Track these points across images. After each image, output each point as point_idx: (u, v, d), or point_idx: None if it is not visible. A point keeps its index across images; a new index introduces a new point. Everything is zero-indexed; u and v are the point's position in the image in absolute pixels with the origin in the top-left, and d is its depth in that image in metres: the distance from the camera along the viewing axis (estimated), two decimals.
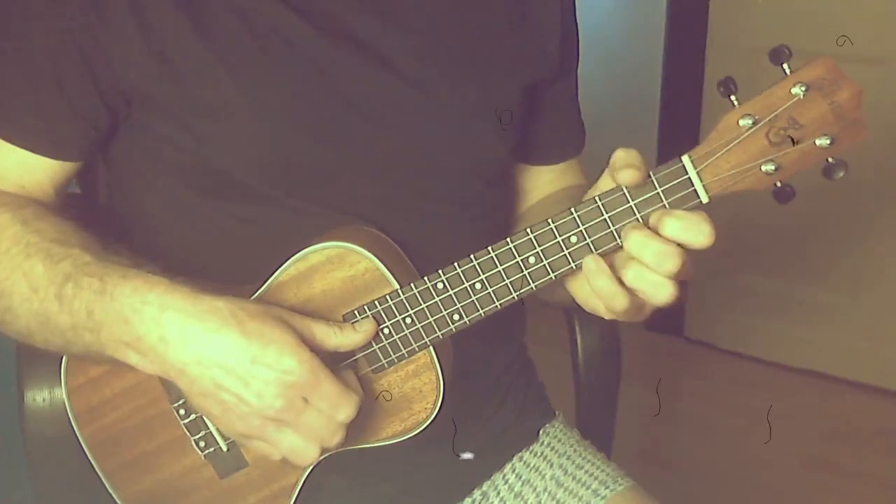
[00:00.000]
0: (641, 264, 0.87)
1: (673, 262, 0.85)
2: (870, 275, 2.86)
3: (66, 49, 0.98)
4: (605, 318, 0.93)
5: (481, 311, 0.94)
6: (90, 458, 1.04)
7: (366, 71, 1.02)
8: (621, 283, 0.88)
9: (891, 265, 2.82)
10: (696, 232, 0.85)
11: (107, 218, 1.14)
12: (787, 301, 3.01)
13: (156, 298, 0.87)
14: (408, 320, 0.94)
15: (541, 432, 1.26)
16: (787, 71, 0.83)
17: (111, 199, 1.15)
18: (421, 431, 0.99)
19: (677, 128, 2.98)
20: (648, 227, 0.87)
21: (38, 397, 1.12)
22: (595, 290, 0.90)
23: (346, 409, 0.89)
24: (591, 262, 0.89)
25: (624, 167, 0.86)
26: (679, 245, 0.86)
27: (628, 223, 0.88)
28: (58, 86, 0.99)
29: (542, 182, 1.25)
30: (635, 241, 0.86)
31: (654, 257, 0.86)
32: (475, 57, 1.08)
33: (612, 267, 0.89)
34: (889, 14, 2.62)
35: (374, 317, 0.94)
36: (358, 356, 0.96)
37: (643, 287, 0.87)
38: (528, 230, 0.90)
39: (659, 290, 0.87)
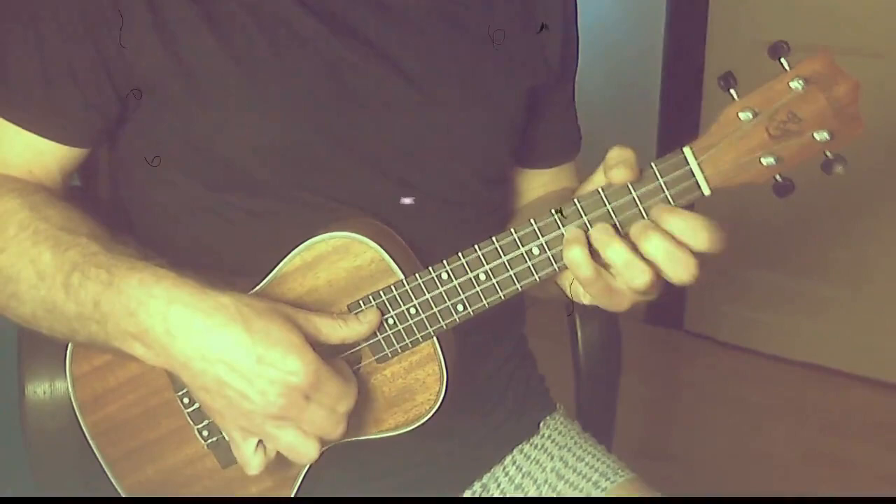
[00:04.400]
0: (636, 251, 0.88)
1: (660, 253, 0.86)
2: (870, 268, 2.86)
3: (79, 36, 0.98)
4: (584, 302, 0.94)
5: (485, 302, 0.94)
6: (93, 448, 1.04)
7: (371, 68, 1.03)
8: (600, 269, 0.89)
9: (891, 259, 2.82)
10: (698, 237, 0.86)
11: (108, 211, 1.15)
12: (788, 294, 3.01)
13: (162, 292, 0.87)
14: (412, 310, 0.95)
15: (541, 424, 1.27)
16: (786, 66, 0.84)
17: (115, 191, 1.15)
18: (424, 423, 0.99)
19: (677, 122, 2.98)
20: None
21: (39, 390, 1.12)
22: (572, 270, 0.90)
23: (346, 401, 0.90)
24: (572, 238, 0.89)
25: (616, 165, 0.87)
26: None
27: (630, 214, 0.88)
28: (69, 73, 1.00)
29: (537, 184, 1.26)
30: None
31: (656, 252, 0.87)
32: (478, 59, 1.09)
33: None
34: (889, 8, 2.62)
35: (378, 307, 0.95)
36: (362, 346, 0.97)
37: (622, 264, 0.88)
38: (533, 220, 0.91)
39: (636, 274, 0.87)
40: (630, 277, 0.87)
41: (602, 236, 0.88)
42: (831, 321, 2.96)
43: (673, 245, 0.85)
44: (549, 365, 1.36)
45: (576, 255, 0.88)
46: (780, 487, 2.52)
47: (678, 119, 2.98)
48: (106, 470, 1.05)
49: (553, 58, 1.16)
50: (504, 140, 1.13)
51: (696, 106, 2.92)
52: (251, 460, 0.92)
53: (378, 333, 0.96)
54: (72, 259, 0.92)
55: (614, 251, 0.87)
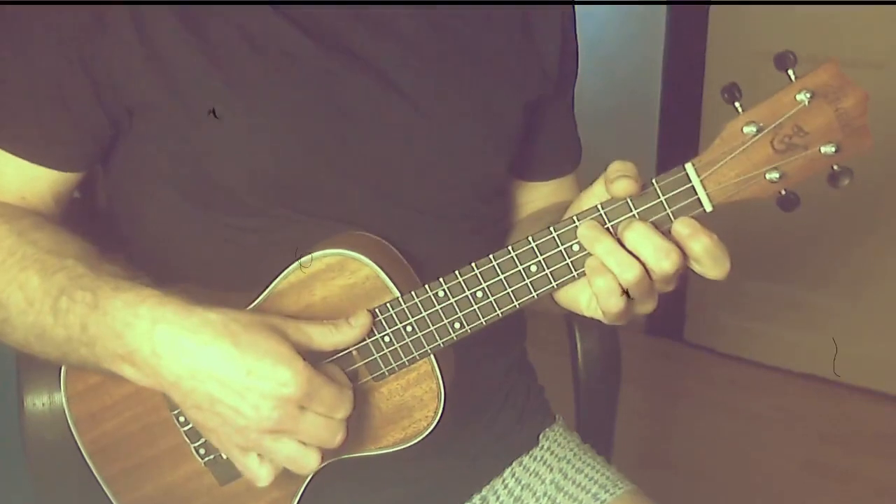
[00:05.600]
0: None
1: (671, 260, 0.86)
2: (869, 279, 2.87)
3: (68, 60, 0.98)
4: (586, 314, 0.94)
5: (482, 320, 0.93)
6: (90, 465, 1.04)
7: (364, 86, 1.02)
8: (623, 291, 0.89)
9: (890, 270, 2.82)
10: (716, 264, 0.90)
11: (105, 222, 1.14)
12: (787, 305, 3.01)
13: (147, 312, 0.87)
14: (409, 328, 0.94)
15: (541, 436, 1.26)
16: (792, 77, 0.82)
17: (109, 207, 1.14)
18: (421, 440, 0.98)
19: (677, 133, 2.98)
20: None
21: (38, 401, 1.12)
22: (595, 289, 0.89)
23: (343, 408, 0.89)
24: (594, 261, 0.89)
25: (619, 178, 0.86)
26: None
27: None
28: (59, 97, 0.99)
29: (536, 196, 1.25)
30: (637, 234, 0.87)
31: (653, 253, 0.86)
32: (475, 74, 1.08)
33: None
34: (888, 18, 2.62)
35: (374, 325, 0.94)
36: (359, 364, 0.96)
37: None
38: (530, 238, 0.90)
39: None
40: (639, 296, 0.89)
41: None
42: (830, 332, 2.95)
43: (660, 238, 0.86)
44: (549, 376, 1.35)
45: (607, 284, 0.88)
46: (780, 498, 2.53)
47: (678, 130, 2.98)
48: (104, 487, 1.04)
49: (552, 70, 1.15)
50: (501, 154, 1.12)
51: (696, 117, 2.92)
52: (258, 472, 0.91)
53: (375, 352, 0.95)
54: (59, 283, 0.91)
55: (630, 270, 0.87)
